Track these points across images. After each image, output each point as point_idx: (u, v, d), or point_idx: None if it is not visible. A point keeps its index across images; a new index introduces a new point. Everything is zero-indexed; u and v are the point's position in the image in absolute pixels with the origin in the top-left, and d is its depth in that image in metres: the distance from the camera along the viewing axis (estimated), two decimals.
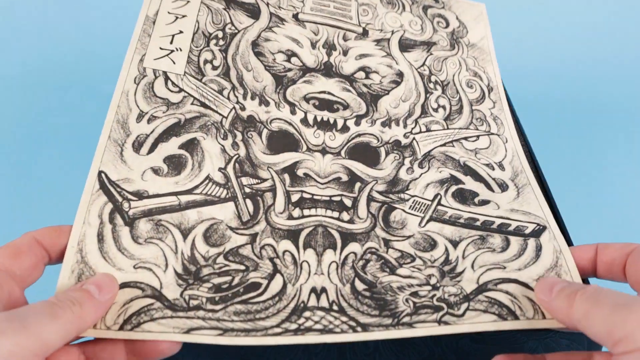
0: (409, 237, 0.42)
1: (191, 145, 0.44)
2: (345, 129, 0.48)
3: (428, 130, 0.49)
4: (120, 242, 0.39)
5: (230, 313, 0.37)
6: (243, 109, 0.47)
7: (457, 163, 0.48)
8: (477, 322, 0.38)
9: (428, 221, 0.43)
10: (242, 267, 0.39)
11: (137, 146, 0.43)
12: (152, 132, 0.44)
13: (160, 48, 0.48)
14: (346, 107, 0.49)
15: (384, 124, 0.49)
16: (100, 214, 0.39)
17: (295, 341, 0.36)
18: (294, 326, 0.37)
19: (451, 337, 0.39)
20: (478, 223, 0.44)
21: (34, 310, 0.31)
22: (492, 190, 0.46)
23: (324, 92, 0.50)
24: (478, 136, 0.50)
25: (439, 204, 0.44)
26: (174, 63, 0.48)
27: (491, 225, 0.44)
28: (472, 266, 0.41)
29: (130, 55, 0.47)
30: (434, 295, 0.39)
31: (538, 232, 0.44)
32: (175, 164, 0.43)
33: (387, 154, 0.47)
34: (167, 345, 0.35)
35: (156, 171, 0.42)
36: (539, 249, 0.42)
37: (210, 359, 0.40)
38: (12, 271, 0.35)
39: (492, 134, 0.50)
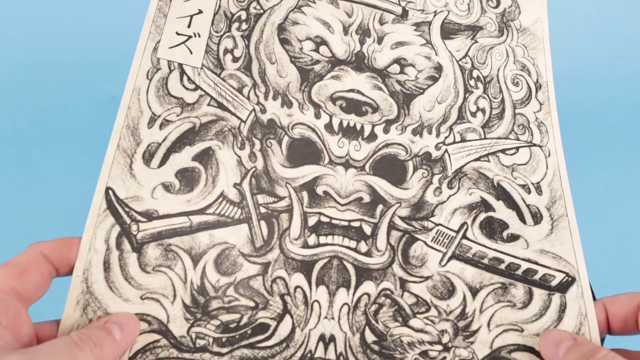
0: (427, 278, 0.40)
1: (205, 157, 0.41)
2: (372, 137, 0.44)
3: (463, 140, 0.45)
4: (128, 270, 0.37)
5: (237, 358, 0.36)
6: (264, 111, 0.43)
7: (490, 183, 0.44)
8: None
9: (450, 259, 0.41)
10: (252, 304, 0.38)
11: (148, 157, 0.40)
12: (164, 140, 0.41)
13: (177, 33, 0.44)
14: (376, 109, 0.45)
15: (415, 132, 0.45)
16: (107, 239, 0.37)
17: None
18: None
19: None
20: (502, 266, 0.41)
21: (52, 351, 0.30)
22: (524, 222, 0.43)
23: (352, 90, 0.45)
24: (518, 148, 0.46)
25: (464, 236, 0.42)
26: (191, 53, 0.43)
27: (516, 271, 0.41)
28: (489, 324, 0.40)
29: (143, 41, 0.43)
30: (444, 358, 0.38)
31: (565, 285, 0.41)
32: (187, 179, 0.40)
33: (415, 169, 0.44)
34: None
35: (167, 187, 0.39)
36: (562, 309, 0.40)
37: None
38: (17, 291, 0.34)
39: (534, 145, 0.46)
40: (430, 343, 0.39)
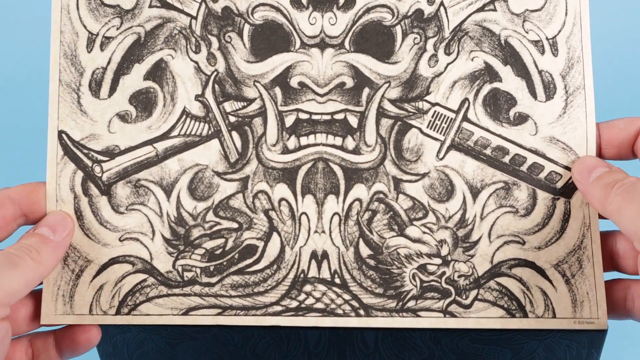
0: (423, 175, 0.35)
1: (158, 71, 0.36)
2: (349, 3, 0.36)
3: None
4: (101, 215, 0.36)
5: (228, 287, 0.35)
6: None
7: (497, 41, 0.36)
8: (483, 317, 0.35)
9: (449, 149, 0.35)
10: (235, 225, 0.36)
11: (95, 87, 0.36)
12: (108, 62, 0.36)
13: None
14: None
15: None
16: (72, 187, 0.35)
17: (296, 323, 0.34)
18: (294, 303, 0.35)
19: (451, 337, 0.35)
20: (507, 159, 0.35)
21: None
22: (535, 96, 0.35)
23: None
24: None
25: (465, 117, 0.35)
26: None
27: (521, 166, 0.35)
28: (489, 234, 0.35)
29: None
30: (443, 273, 0.35)
31: (571, 188, 0.35)
32: (144, 103, 0.36)
33: (404, 35, 0.36)
34: (95, 332, 0.35)
35: (123, 117, 0.36)
36: (566, 217, 0.35)
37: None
38: None
39: None
40: (429, 255, 0.35)
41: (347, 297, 0.35)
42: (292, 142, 0.36)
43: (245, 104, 0.36)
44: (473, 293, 0.35)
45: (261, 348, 0.39)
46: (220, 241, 0.36)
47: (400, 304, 0.35)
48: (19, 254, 0.32)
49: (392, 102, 0.36)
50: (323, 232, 0.35)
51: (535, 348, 0.38)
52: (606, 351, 0.42)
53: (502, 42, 0.36)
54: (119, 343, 0.40)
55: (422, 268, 0.35)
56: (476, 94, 0.36)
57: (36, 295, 0.35)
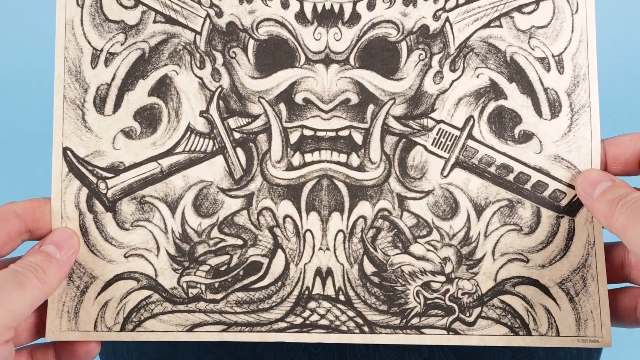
0: (427, 193, 0.35)
1: (163, 87, 0.36)
2: (354, 18, 0.36)
3: (468, 0, 0.36)
4: (106, 231, 0.36)
5: (233, 303, 0.35)
6: (220, 14, 0.36)
7: (502, 57, 0.36)
8: (486, 334, 0.35)
9: (453, 167, 0.35)
10: (240, 242, 0.36)
11: (100, 104, 0.36)
12: (113, 78, 0.36)
13: None
14: None
15: (407, 1, 0.36)
16: (77, 204, 0.36)
17: (301, 339, 0.35)
18: (299, 320, 0.35)
19: None
20: (511, 177, 0.35)
21: None
22: (540, 114, 0.35)
23: None
24: (538, 2, 0.36)
25: (469, 135, 0.35)
26: None
27: (525, 184, 0.35)
28: (493, 252, 0.35)
29: None
30: (447, 291, 0.35)
31: (575, 207, 0.35)
32: (148, 119, 0.36)
33: (409, 51, 0.36)
34: (94, 345, 0.35)
35: (128, 133, 0.36)
36: (570, 236, 0.35)
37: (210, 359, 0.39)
38: None
39: None
40: (433, 273, 0.35)
41: (351, 313, 0.35)
42: (296, 159, 0.36)
43: (249, 120, 0.36)
44: (476, 311, 0.35)
45: (261, 348, 0.39)
46: (225, 258, 0.36)
47: (404, 321, 0.35)
48: (25, 272, 0.32)
49: (397, 119, 0.36)
50: (327, 249, 0.35)
51: (535, 348, 0.38)
52: (606, 351, 0.42)
53: (508, 58, 0.36)
54: (119, 343, 0.41)
55: (426, 285, 0.35)
56: (481, 112, 0.36)
57: (38, 307, 0.35)
